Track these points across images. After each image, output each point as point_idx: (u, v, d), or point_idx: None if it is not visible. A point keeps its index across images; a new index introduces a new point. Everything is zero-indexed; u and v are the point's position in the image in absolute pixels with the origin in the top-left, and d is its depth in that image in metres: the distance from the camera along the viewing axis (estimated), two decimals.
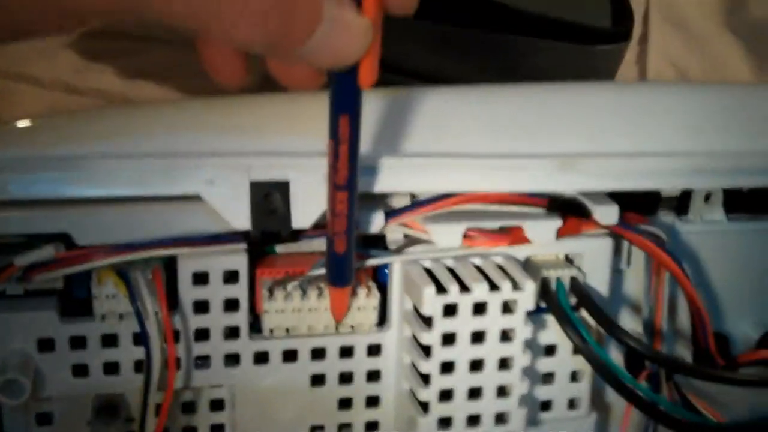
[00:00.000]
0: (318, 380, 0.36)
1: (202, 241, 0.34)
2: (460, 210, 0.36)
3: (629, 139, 0.37)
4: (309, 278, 0.35)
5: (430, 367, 0.35)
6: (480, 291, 0.35)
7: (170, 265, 0.34)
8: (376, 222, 0.35)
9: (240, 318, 0.35)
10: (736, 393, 0.43)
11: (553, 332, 0.37)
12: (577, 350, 0.37)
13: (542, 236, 0.37)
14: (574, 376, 0.38)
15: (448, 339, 0.35)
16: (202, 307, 0.35)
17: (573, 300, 0.37)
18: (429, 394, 0.35)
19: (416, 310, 0.35)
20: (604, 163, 0.36)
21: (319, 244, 0.34)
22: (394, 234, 0.36)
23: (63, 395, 0.34)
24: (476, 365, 0.35)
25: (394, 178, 0.35)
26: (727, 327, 0.43)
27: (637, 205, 0.41)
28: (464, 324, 0.35)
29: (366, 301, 0.36)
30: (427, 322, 0.35)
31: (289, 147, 0.33)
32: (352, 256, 0.33)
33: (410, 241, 0.37)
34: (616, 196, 0.38)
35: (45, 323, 0.33)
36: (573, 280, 0.37)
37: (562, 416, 0.38)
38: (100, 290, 0.33)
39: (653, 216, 0.42)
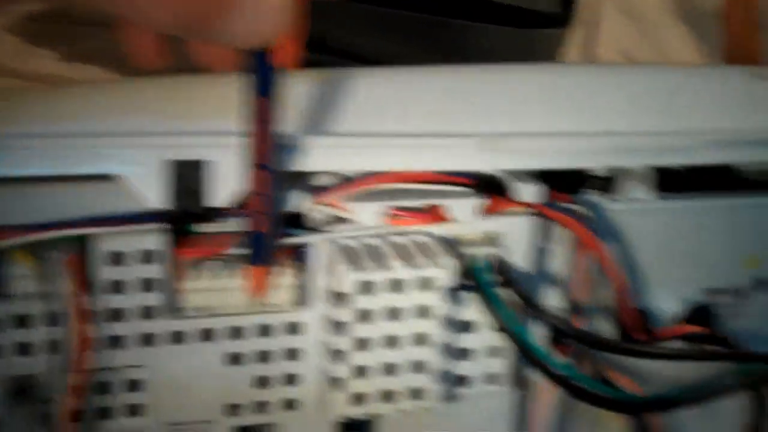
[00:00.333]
0: (236, 359, 0.36)
1: (118, 220, 0.34)
2: (383, 189, 0.36)
3: (551, 119, 0.38)
4: (229, 257, 0.35)
5: (345, 343, 0.35)
6: (397, 268, 0.35)
7: (87, 245, 0.34)
8: (299, 201, 0.35)
9: (157, 298, 0.35)
10: (661, 368, 0.43)
11: (473, 309, 0.38)
12: (496, 327, 0.37)
13: (464, 214, 0.37)
14: (495, 352, 0.38)
15: (365, 316, 0.35)
16: (118, 287, 0.34)
17: (495, 278, 0.37)
18: (343, 370, 0.35)
19: (334, 287, 0.35)
20: (526, 143, 0.37)
21: (243, 224, 0.34)
22: (316, 213, 0.36)
23: None
24: (392, 341, 0.36)
25: (317, 157, 0.35)
26: (654, 303, 0.43)
27: (564, 184, 0.41)
28: (381, 301, 0.35)
29: (285, 279, 0.35)
30: (343, 299, 0.35)
31: (207, 127, 0.33)
32: (273, 235, 0.33)
33: (332, 219, 0.37)
34: (541, 175, 0.38)
35: None
36: (495, 258, 0.37)
37: (481, 391, 0.39)
38: (13, 270, 0.33)
39: (579, 194, 0.42)
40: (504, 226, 0.38)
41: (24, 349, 0.34)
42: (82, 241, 0.34)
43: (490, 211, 0.37)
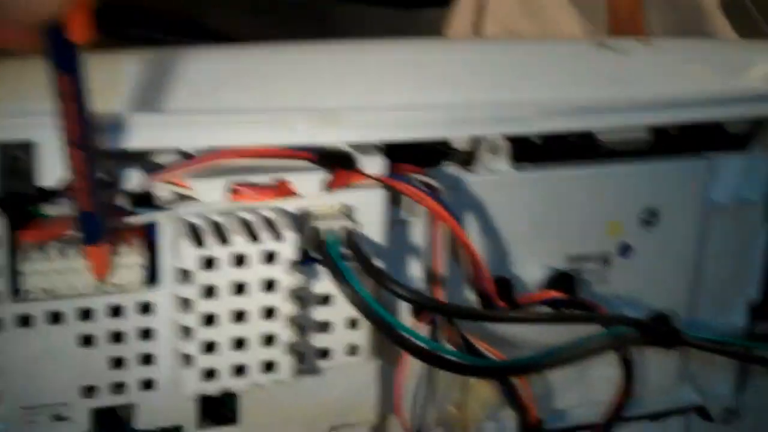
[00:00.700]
0: (88, 341, 0.36)
1: None
2: (226, 165, 0.36)
3: (392, 92, 0.38)
4: (71, 239, 0.35)
5: (192, 320, 0.35)
6: (239, 243, 0.35)
7: None
8: (137, 179, 0.35)
9: None
10: (529, 334, 0.44)
11: (328, 282, 0.38)
12: (348, 299, 0.38)
13: (309, 189, 0.37)
14: (353, 324, 0.39)
15: (210, 292, 0.35)
16: None
17: (345, 251, 0.38)
18: (192, 347, 0.36)
19: (178, 265, 0.35)
20: (367, 116, 0.37)
21: (71, 204, 0.34)
22: (163, 192, 0.37)
23: None
24: (240, 316, 0.36)
25: (156, 134, 0.35)
26: (515, 271, 0.44)
27: (425, 158, 0.42)
28: (225, 276, 0.35)
29: (130, 259, 0.36)
30: (187, 275, 0.35)
31: (33, 108, 0.33)
32: (100, 213, 0.33)
33: (180, 198, 0.37)
34: (395, 149, 0.39)
35: None
36: (345, 231, 0.38)
37: (342, 363, 0.39)
38: None
39: (437, 167, 0.42)
40: (353, 199, 0.38)
41: None
42: None
43: (337, 185, 0.38)
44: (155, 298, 0.37)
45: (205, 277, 0.35)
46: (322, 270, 0.38)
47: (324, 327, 0.39)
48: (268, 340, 0.37)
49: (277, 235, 0.36)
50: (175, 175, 0.36)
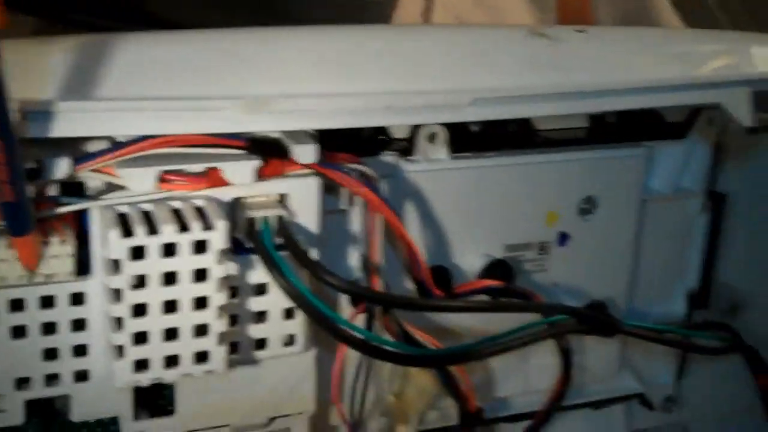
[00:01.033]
0: (20, 332, 0.36)
1: None
2: (156, 154, 0.36)
3: (326, 80, 0.38)
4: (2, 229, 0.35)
5: (121, 310, 0.35)
6: (168, 232, 0.35)
7: None
8: (63, 168, 0.35)
9: None
10: (468, 322, 0.44)
11: (263, 271, 0.38)
12: (282, 289, 0.38)
13: (241, 177, 0.37)
14: (289, 314, 0.39)
15: (139, 282, 0.35)
16: None
17: (277, 240, 0.38)
18: (122, 337, 0.35)
19: (107, 255, 0.35)
20: (295, 103, 0.37)
21: None
22: (94, 181, 0.36)
23: None
24: (171, 306, 0.36)
25: (85, 122, 0.34)
26: (453, 260, 0.44)
27: (362, 146, 0.42)
28: (154, 266, 0.35)
29: (60, 248, 0.35)
30: (117, 265, 0.35)
31: None
32: (25, 203, 0.33)
33: (111, 187, 0.37)
34: (335, 137, 0.39)
35: None
36: (279, 220, 0.38)
37: (279, 353, 0.39)
38: None
39: (375, 156, 0.43)
40: (286, 187, 0.38)
41: None
42: None
43: (268, 173, 0.38)
44: (87, 288, 0.37)
45: (134, 267, 0.35)
46: (256, 260, 0.38)
47: (259, 317, 0.39)
48: (200, 330, 0.36)
49: (207, 225, 0.35)
50: (104, 164, 0.35)
